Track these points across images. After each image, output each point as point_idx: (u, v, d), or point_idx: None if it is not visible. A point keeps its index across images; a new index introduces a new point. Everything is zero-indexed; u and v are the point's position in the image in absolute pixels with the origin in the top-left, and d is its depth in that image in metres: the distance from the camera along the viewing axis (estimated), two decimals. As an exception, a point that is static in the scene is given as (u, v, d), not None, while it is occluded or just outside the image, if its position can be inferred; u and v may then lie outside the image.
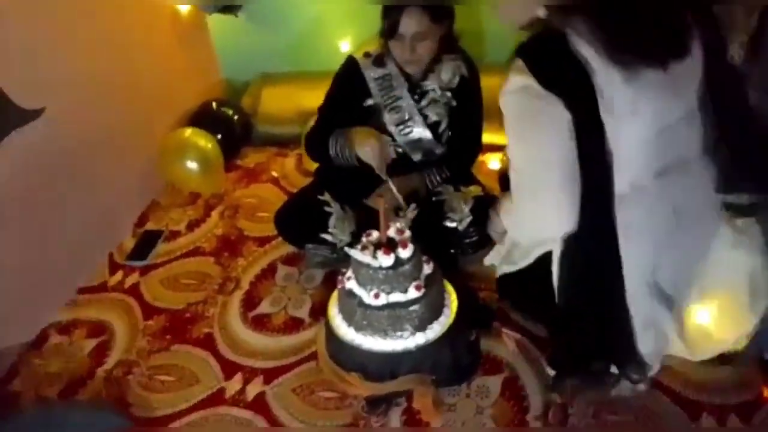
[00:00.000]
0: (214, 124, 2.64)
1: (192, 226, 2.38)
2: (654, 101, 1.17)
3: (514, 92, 1.18)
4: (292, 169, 2.65)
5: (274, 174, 2.63)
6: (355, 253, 1.46)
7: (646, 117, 1.18)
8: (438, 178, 1.94)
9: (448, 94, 1.89)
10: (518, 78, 1.16)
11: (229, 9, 2.69)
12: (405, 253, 1.44)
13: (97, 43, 2.17)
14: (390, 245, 1.45)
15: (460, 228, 1.85)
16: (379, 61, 1.90)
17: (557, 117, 1.14)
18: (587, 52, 1.12)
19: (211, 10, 2.61)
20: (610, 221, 1.22)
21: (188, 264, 2.20)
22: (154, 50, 2.54)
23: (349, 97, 1.92)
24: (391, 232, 1.48)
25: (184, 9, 2.65)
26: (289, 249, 2.15)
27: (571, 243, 1.28)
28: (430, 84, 1.88)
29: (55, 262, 2.00)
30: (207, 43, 2.91)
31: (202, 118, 2.66)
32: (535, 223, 1.30)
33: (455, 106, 1.90)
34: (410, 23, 1.72)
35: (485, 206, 1.79)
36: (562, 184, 1.18)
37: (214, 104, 2.74)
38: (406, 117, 1.90)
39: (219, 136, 2.60)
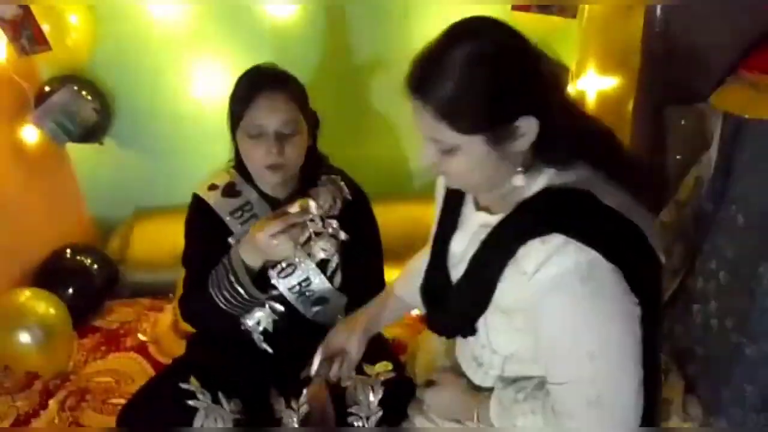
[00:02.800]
0: (65, 278, 2.12)
1: (21, 422, 1.76)
2: None
3: (580, 273, 0.92)
4: (167, 330, 2.09)
5: (142, 338, 2.07)
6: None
7: None
8: None
9: (333, 223, 1.44)
10: (573, 256, 0.91)
11: (89, 137, 2.23)
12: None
13: None
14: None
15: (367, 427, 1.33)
16: (229, 190, 1.45)
17: (626, 295, 0.93)
18: (613, 201, 0.92)
19: (61, 140, 2.13)
20: None
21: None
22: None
23: (210, 242, 1.44)
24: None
25: (33, 138, 2.17)
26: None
27: None
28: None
29: None
30: (67, 176, 2.42)
31: (50, 272, 2.13)
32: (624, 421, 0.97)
33: (346, 241, 1.45)
34: (273, 109, 1.30)
35: (401, 394, 1.31)
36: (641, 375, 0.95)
37: (68, 252, 2.20)
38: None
39: (70, 291, 2.08)
